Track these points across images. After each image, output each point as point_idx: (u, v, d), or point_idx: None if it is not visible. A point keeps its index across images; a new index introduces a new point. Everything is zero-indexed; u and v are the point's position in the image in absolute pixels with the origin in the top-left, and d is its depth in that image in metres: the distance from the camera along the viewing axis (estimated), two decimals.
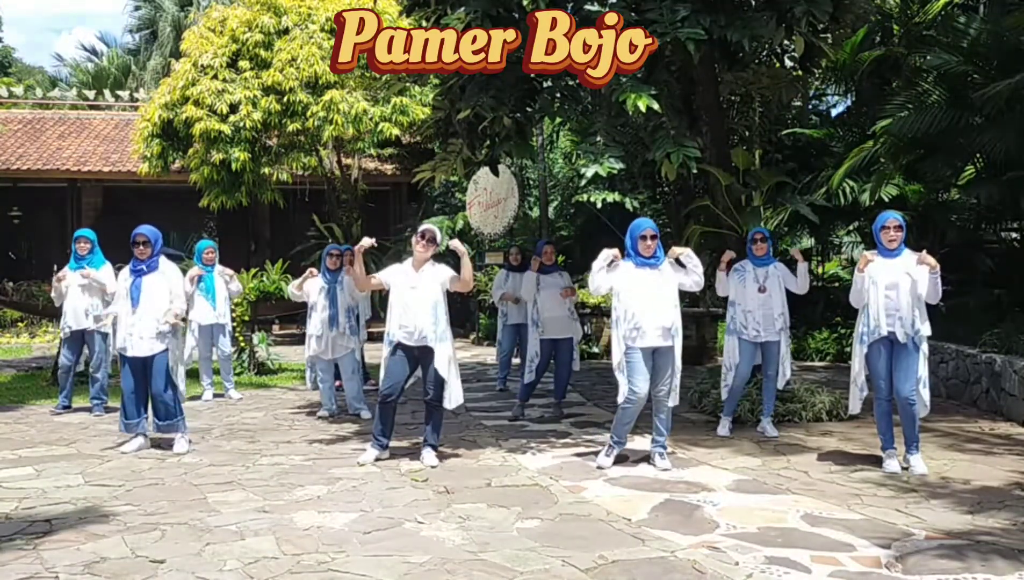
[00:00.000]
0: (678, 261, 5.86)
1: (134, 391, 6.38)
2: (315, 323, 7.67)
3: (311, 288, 7.71)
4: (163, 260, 6.48)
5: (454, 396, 5.98)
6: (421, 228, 6.04)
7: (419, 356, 5.96)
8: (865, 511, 4.78)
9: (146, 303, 6.29)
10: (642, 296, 5.69)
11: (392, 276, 6.01)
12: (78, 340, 8.08)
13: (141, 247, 6.36)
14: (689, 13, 6.17)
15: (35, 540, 4.30)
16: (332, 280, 7.70)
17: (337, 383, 8.09)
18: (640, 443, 6.34)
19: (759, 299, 6.73)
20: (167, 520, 4.62)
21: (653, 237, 5.76)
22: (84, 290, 7.89)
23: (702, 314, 12.47)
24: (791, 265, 7.19)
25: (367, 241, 5.95)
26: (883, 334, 5.62)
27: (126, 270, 6.47)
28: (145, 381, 6.38)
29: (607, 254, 5.82)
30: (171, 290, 6.39)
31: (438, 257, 6.15)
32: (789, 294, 6.92)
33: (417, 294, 5.87)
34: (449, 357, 5.92)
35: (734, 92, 9.29)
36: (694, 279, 5.86)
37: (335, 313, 7.62)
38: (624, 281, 5.77)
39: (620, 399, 5.75)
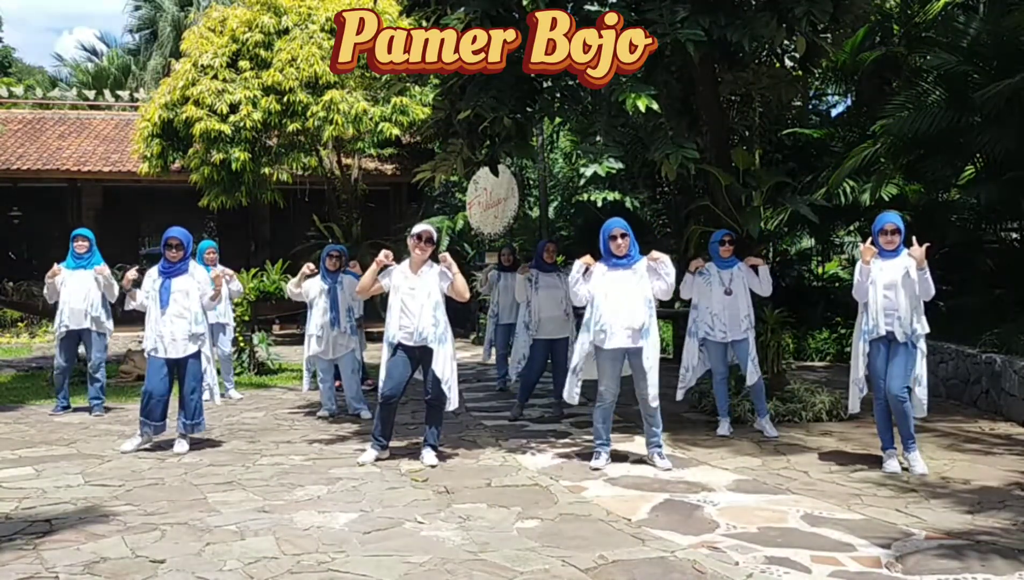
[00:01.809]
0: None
1: (164, 393, 6.39)
2: (315, 323, 7.66)
3: (310, 287, 7.70)
4: (192, 263, 6.52)
5: (452, 398, 6.00)
6: (418, 229, 6.00)
7: (419, 357, 5.96)
8: (865, 511, 4.78)
9: (175, 305, 6.31)
10: (613, 297, 5.71)
11: (391, 278, 6.01)
12: (74, 340, 8.03)
13: (173, 250, 6.37)
14: (689, 13, 6.18)
15: (35, 540, 4.30)
16: (332, 281, 7.69)
17: (336, 383, 8.10)
18: (639, 443, 6.34)
19: (724, 301, 6.77)
20: (167, 520, 4.62)
21: (623, 236, 5.78)
22: (84, 290, 7.85)
23: None
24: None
25: (387, 255, 5.95)
26: (881, 333, 5.64)
27: (154, 271, 6.48)
28: (175, 383, 6.42)
29: (579, 265, 5.85)
30: (200, 287, 6.44)
31: (433, 257, 6.13)
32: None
33: (417, 295, 5.87)
34: (448, 358, 5.93)
35: (734, 92, 9.28)
36: (661, 287, 5.81)
37: (336, 314, 7.61)
38: (598, 284, 5.80)
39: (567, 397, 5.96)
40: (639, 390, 5.81)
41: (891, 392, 5.59)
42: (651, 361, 5.73)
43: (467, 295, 6.09)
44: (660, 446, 5.89)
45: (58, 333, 8.01)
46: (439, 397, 5.97)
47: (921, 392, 5.65)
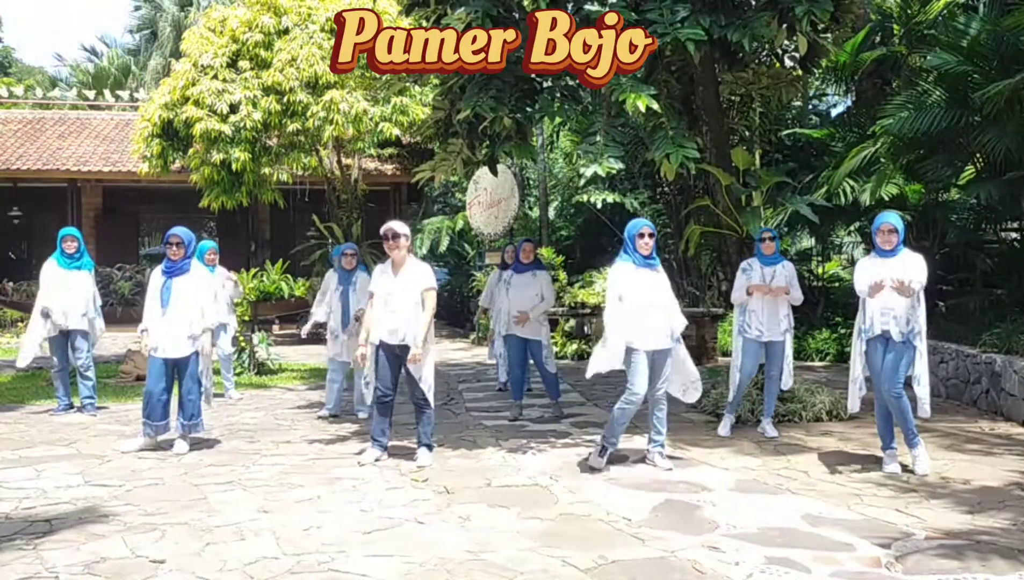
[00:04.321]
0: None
1: (164, 392, 6.38)
2: (330, 324, 7.64)
3: (328, 287, 7.68)
4: (194, 263, 6.49)
5: (429, 399, 6.01)
6: (383, 229, 5.90)
7: (400, 354, 5.94)
8: (865, 511, 4.78)
9: (176, 305, 6.29)
10: (649, 297, 5.69)
11: (375, 280, 5.98)
12: (63, 339, 7.99)
13: (175, 248, 6.36)
14: (689, 13, 6.18)
15: (35, 540, 4.29)
16: (346, 280, 7.60)
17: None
18: (639, 443, 6.34)
19: (764, 299, 6.69)
20: (167, 520, 4.62)
21: (651, 235, 5.77)
22: (67, 290, 7.81)
23: (702, 314, 12.48)
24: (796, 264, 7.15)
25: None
26: (878, 333, 5.62)
27: (158, 270, 6.47)
28: (175, 382, 6.42)
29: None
30: (201, 299, 6.39)
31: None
32: None
33: (401, 294, 5.85)
34: (430, 361, 5.95)
35: (734, 92, 9.29)
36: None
37: (347, 316, 7.56)
38: (627, 282, 5.74)
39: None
40: (654, 389, 5.76)
41: (884, 388, 5.56)
42: (687, 361, 5.89)
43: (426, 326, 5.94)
44: (663, 446, 5.89)
45: (48, 334, 7.97)
46: (425, 395, 5.97)
47: (923, 392, 5.62)
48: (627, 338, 5.65)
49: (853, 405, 5.98)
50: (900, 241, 5.65)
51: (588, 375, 5.79)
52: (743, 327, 6.78)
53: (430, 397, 6.00)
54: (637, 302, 5.67)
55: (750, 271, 6.79)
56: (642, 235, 5.75)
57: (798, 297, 6.81)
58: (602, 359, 5.67)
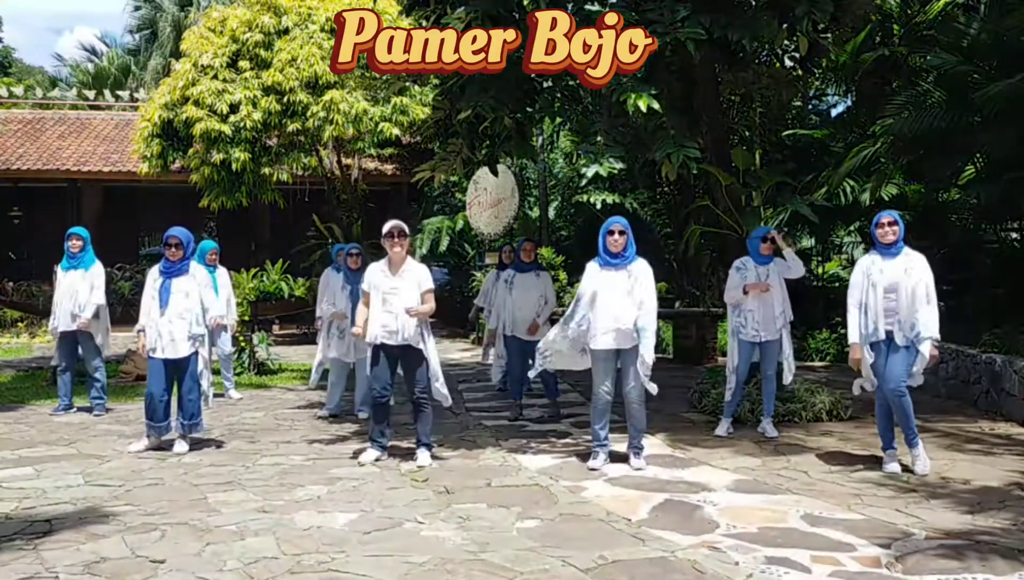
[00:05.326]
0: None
1: (164, 393, 6.37)
2: (335, 323, 7.60)
3: (334, 286, 7.65)
4: (193, 264, 6.48)
5: (445, 394, 6.03)
6: (387, 227, 5.90)
7: (399, 356, 5.93)
8: (865, 511, 4.78)
9: (175, 305, 6.30)
10: (604, 297, 5.70)
11: (371, 279, 5.95)
12: (70, 340, 7.99)
13: (173, 249, 6.36)
14: (689, 13, 6.18)
15: (35, 540, 4.30)
16: (355, 280, 7.52)
17: None
18: None
19: (760, 298, 6.68)
20: (167, 520, 4.62)
21: (622, 233, 5.75)
22: (75, 290, 7.80)
23: (702, 314, 12.48)
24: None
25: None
26: (881, 337, 5.60)
27: (155, 270, 6.47)
28: (175, 383, 6.42)
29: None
30: (202, 295, 6.39)
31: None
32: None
33: (399, 295, 5.84)
34: (435, 356, 5.96)
35: (734, 92, 9.31)
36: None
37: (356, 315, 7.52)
38: (589, 284, 5.78)
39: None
40: (624, 389, 5.80)
41: (888, 387, 5.54)
42: (646, 357, 5.68)
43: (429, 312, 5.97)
44: (640, 447, 5.88)
45: (54, 334, 8.00)
46: (426, 393, 5.97)
47: (917, 380, 5.60)
48: (587, 339, 5.77)
49: (856, 390, 5.94)
50: (901, 237, 5.63)
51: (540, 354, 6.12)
52: (738, 328, 6.77)
53: (445, 392, 6.02)
54: (596, 303, 5.72)
55: (745, 270, 6.76)
56: (611, 232, 5.78)
57: (798, 267, 6.82)
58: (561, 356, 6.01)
